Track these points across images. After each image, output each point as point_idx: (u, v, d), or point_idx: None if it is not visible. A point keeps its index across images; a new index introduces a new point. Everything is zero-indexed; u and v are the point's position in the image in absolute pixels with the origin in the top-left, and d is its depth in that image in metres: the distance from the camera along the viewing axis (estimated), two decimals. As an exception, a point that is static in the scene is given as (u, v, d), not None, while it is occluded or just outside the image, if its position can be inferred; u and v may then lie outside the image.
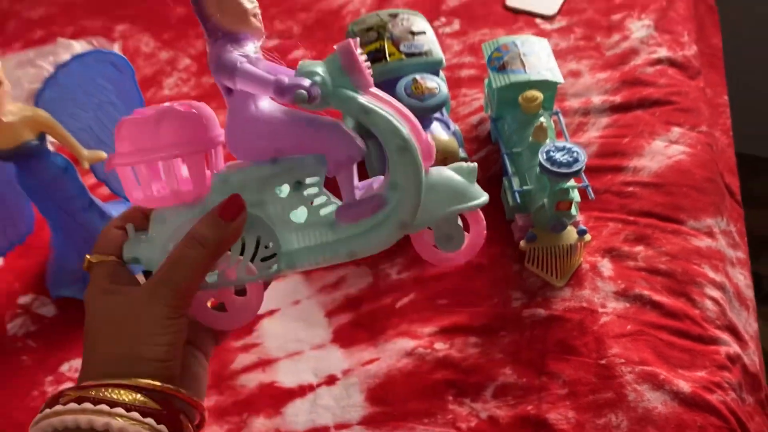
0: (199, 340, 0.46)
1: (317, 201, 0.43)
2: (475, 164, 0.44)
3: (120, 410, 0.37)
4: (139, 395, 0.38)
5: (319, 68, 0.39)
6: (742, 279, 0.73)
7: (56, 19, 1.03)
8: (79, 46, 0.90)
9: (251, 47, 0.40)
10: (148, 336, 0.39)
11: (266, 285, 0.46)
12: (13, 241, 0.67)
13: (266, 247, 0.43)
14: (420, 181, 0.42)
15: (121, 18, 1.03)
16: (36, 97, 0.59)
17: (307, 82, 0.38)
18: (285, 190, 0.43)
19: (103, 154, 0.61)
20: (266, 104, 0.41)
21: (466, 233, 0.46)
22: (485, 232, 0.46)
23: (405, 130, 0.41)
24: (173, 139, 0.40)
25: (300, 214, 0.43)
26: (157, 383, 0.39)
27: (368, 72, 0.40)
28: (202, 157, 0.41)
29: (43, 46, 0.92)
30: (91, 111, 0.62)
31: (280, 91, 0.38)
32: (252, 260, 0.43)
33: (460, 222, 0.45)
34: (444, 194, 0.43)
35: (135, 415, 0.37)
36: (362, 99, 0.40)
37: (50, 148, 0.61)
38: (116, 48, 0.95)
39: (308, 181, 0.43)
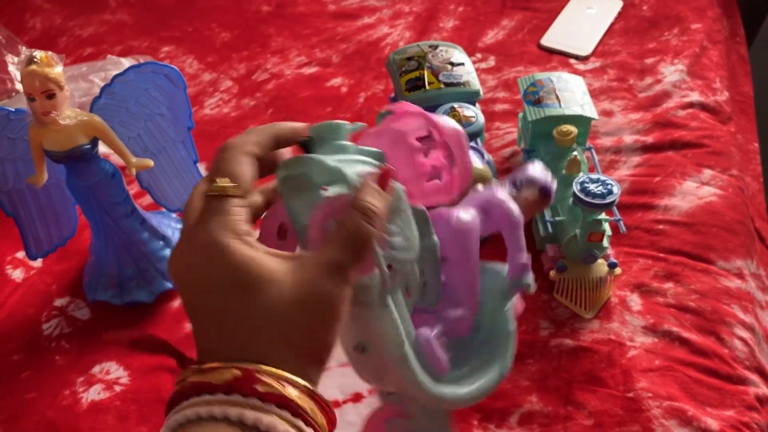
0: None
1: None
2: None
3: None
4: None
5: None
6: (772, 322, 0.72)
7: (105, 38, 1.07)
8: (127, 63, 0.94)
9: None
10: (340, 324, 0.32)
11: None
12: (55, 243, 0.69)
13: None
14: None
15: (167, 40, 1.06)
16: (92, 103, 0.61)
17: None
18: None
19: (150, 162, 0.63)
20: None
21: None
22: None
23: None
24: None
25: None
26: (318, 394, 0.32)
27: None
28: None
29: (93, 62, 0.96)
30: (142, 121, 0.64)
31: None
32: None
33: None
34: None
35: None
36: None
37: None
38: (163, 67, 0.99)
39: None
